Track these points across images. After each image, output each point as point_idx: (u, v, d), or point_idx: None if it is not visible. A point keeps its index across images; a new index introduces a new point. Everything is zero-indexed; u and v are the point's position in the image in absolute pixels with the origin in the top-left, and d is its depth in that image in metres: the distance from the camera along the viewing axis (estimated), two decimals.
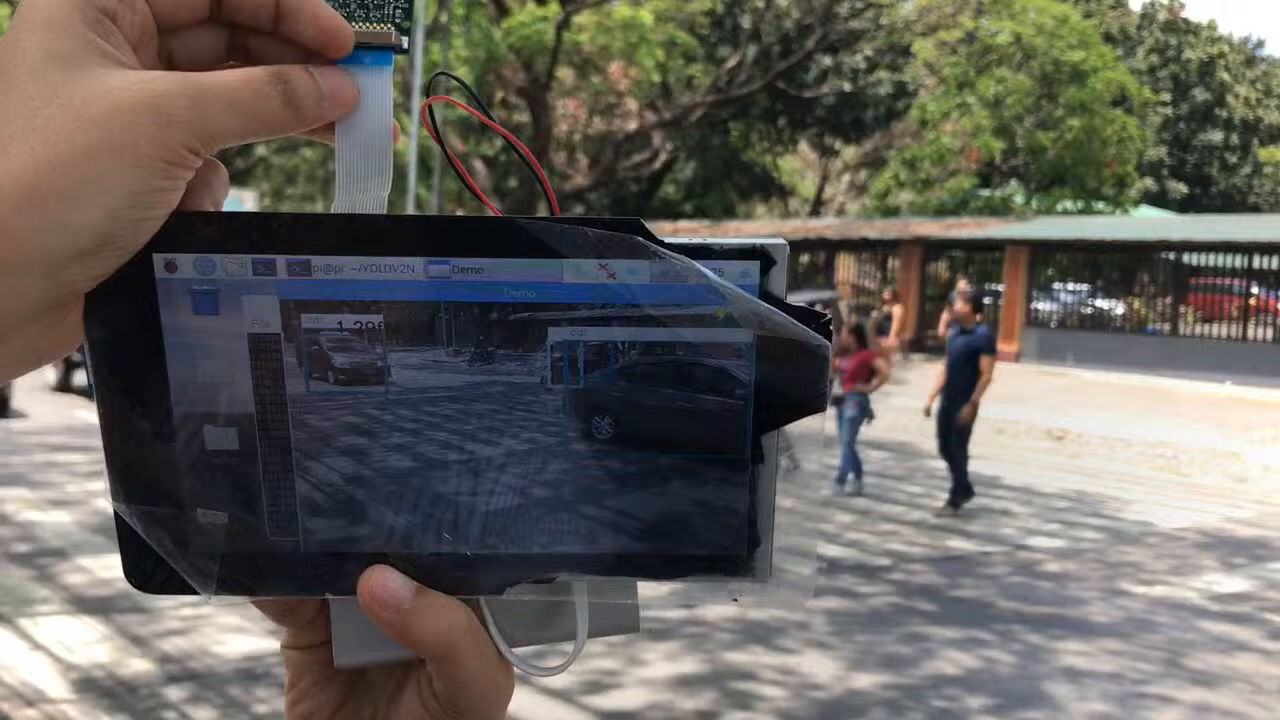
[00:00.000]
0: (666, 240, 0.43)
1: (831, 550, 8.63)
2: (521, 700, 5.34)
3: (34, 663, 5.48)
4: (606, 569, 0.46)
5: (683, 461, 0.45)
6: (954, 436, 10.05)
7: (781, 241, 0.44)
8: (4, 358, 0.41)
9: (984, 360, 9.85)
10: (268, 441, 0.45)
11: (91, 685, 5.25)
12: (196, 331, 0.43)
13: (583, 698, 5.47)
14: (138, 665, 5.51)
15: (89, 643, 5.78)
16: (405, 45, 0.46)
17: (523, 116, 24.11)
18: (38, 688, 5.18)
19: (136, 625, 6.02)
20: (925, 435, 14.72)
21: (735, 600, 0.48)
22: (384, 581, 0.45)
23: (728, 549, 0.46)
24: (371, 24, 0.45)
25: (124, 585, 0.47)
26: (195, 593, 0.46)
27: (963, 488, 10.15)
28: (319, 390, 0.44)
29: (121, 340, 0.43)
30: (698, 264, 0.43)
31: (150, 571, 0.45)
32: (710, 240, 0.44)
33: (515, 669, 0.48)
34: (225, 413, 0.44)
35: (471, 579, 0.46)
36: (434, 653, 0.45)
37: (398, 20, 0.46)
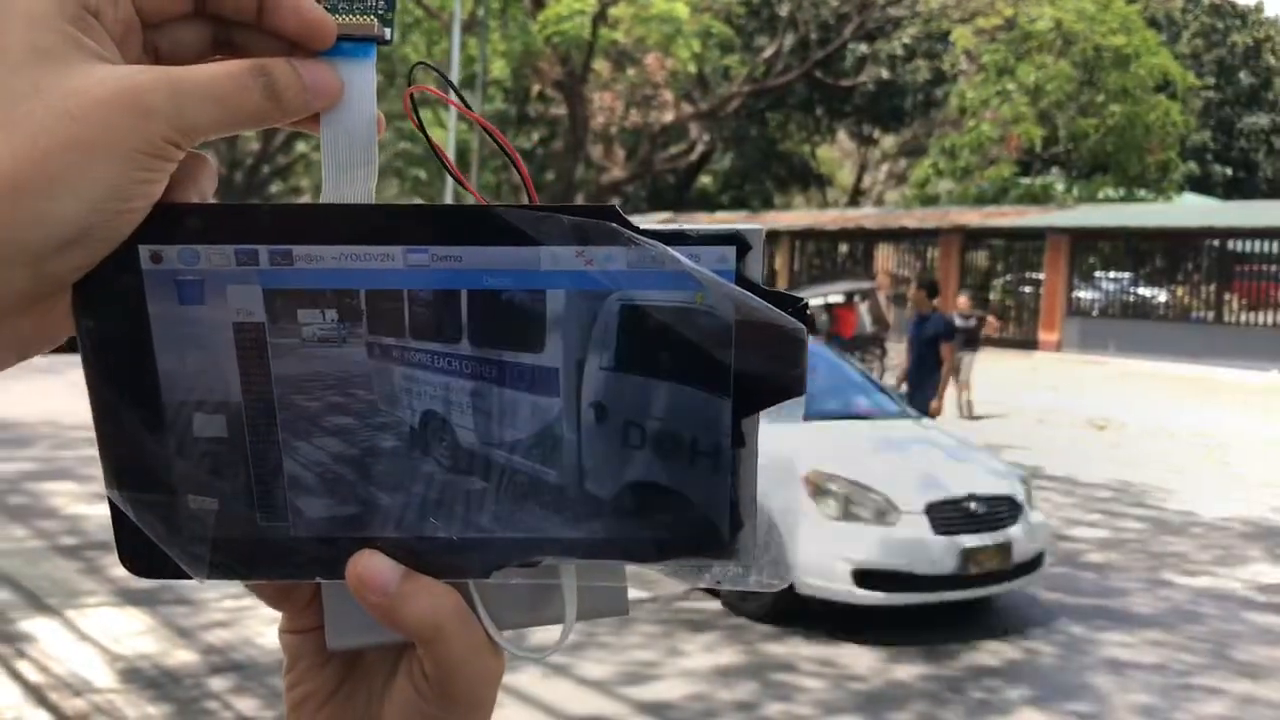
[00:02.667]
0: (642, 226, 0.43)
1: None
2: (561, 690, 5.37)
3: (81, 653, 5.57)
4: (591, 552, 0.47)
5: (665, 445, 0.46)
6: None
7: (758, 227, 0.44)
8: None
9: (944, 347, 9.70)
10: (255, 428, 0.45)
11: (137, 676, 5.33)
12: (183, 321, 0.44)
13: (622, 689, 5.49)
14: (182, 656, 5.59)
15: (135, 634, 5.87)
16: (388, 36, 0.46)
17: (560, 109, 24.12)
18: (85, 678, 5.27)
19: (181, 617, 6.11)
20: (967, 425, 14.63)
21: (719, 583, 0.48)
22: (371, 566, 0.46)
23: (711, 532, 0.46)
24: (354, 16, 0.46)
25: None
26: (189, 577, 0.47)
27: None
28: (303, 377, 0.45)
29: (110, 330, 0.44)
30: (673, 250, 0.43)
31: (144, 557, 0.46)
32: (686, 226, 0.44)
33: (504, 651, 0.49)
34: (213, 400, 0.45)
35: (458, 562, 0.47)
36: (421, 635, 0.46)
37: (380, 12, 0.46)
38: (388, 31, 0.46)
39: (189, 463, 0.45)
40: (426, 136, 0.48)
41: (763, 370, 0.45)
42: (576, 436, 0.46)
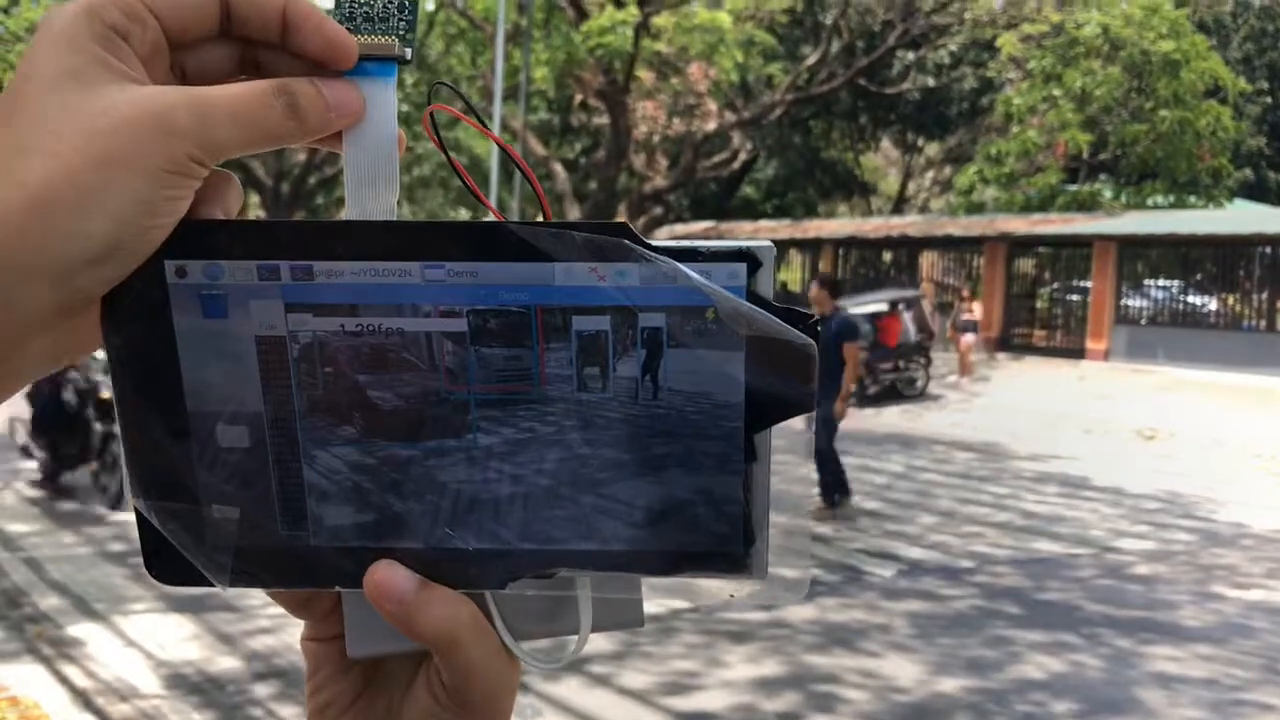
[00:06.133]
0: (654, 243, 0.44)
1: (914, 552, 8.54)
2: (602, 700, 5.37)
3: (128, 659, 5.65)
4: (606, 564, 0.47)
5: (679, 459, 0.46)
6: (824, 432, 9.25)
7: (768, 243, 0.45)
8: (24, 360, 0.43)
9: (847, 348, 9.12)
10: (276, 439, 0.46)
11: (181, 681, 5.39)
12: (207, 334, 0.45)
13: (663, 699, 5.48)
14: (226, 662, 5.65)
15: (180, 640, 5.94)
16: (409, 56, 0.47)
17: (603, 119, 24.18)
18: (131, 683, 5.34)
19: (225, 624, 6.17)
20: (1011, 436, 14.50)
21: (732, 597, 0.48)
22: (389, 575, 0.47)
23: (724, 546, 0.47)
24: (376, 36, 0.47)
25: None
26: (212, 585, 0.48)
27: (839, 484, 9.53)
28: (324, 390, 0.46)
29: (137, 343, 0.45)
30: (685, 266, 0.44)
31: (168, 563, 0.47)
32: (698, 243, 0.44)
33: (520, 661, 0.50)
34: (236, 411, 0.46)
35: (474, 573, 0.47)
36: (437, 644, 0.47)
37: (401, 32, 0.47)
38: (408, 51, 0.47)
39: (212, 472, 0.47)
40: (447, 155, 0.49)
41: (774, 385, 0.45)
42: (591, 450, 0.46)
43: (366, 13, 0.47)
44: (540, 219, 0.47)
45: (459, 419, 0.46)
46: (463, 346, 0.46)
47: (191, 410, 0.46)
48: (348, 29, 0.46)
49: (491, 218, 0.47)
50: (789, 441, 0.47)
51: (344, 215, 0.47)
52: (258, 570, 0.48)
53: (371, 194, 0.47)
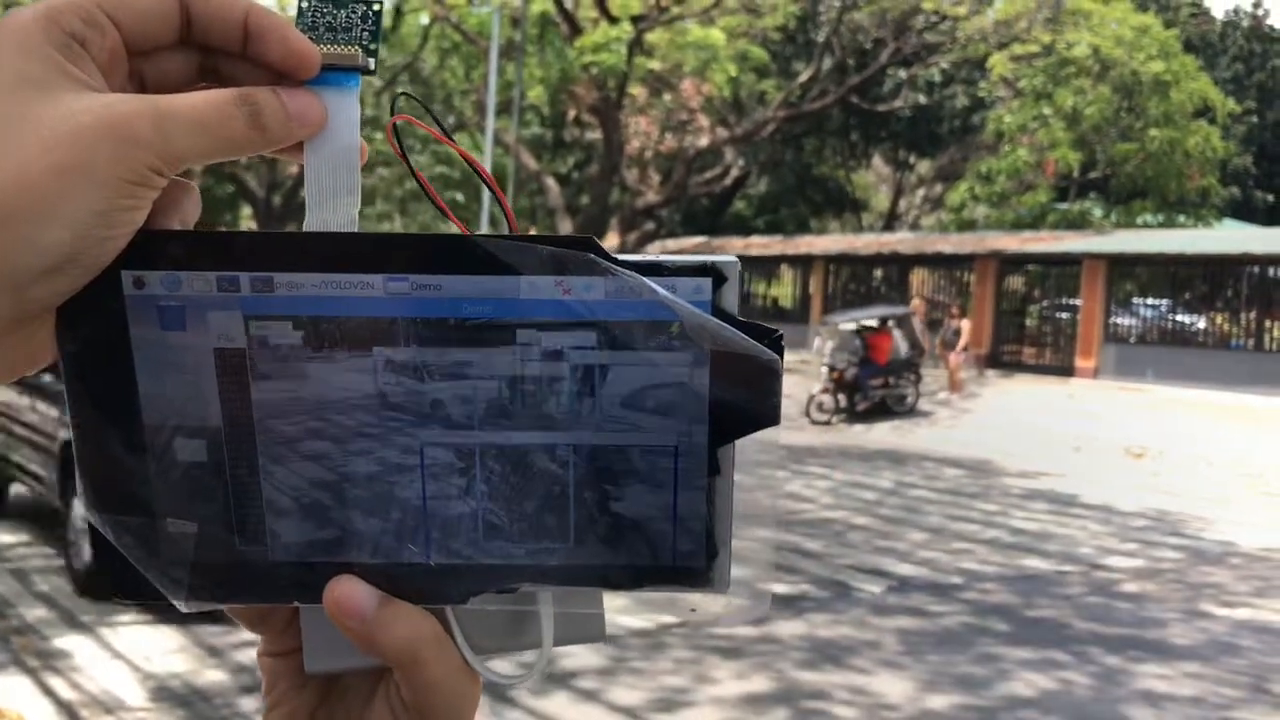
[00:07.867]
0: (619, 257, 0.44)
1: (903, 568, 8.54)
2: (592, 716, 5.36)
3: (113, 671, 5.62)
4: (567, 579, 0.47)
5: (641, 474, 0.46)
6: None
7: (733, 259, 0.44)
8: None
9: None
10: (235, 454, 0.46)
11: (168, 694, 5.36)
12: (164, 346, 0.45)
13: (653, 715, 5.46)
14: (213, 675, 5.62)
15: (166, 652, 5.91)
16: (372, 66, 0.47)
17: (596, 134, 24.21)
18: (117, 695, 5.31)
19: (212, 636, 6.14)
20: (1000, 453, 14.52)
21: (693, 611, 0.48)
22: (349, 591, 0.46)
23: (686, 560, 0.47)
24: (339, 46, 0.46)
25: None
26: (167, 600, 0.47)
27: None
28: (283, 403, 0.45)
29: (92, 354, 0.45)
30: (649, 280, 0.44)
31: (123, 578, 0.47)
32: (663, 257, 0.44)
33: (481, 677, 0.49)
34: (193, 425, 0.45)
35: (435, 588, 0.47)
36: (398, 661, 0.46)
37: (364, 42, 0.47)
38: (371, 61, 0.47)
39: (168, 486, 0.46)
40: (409, 166, 0.48)
41: (738, 400, 0.45)
42: (553, 465, 0.46)
43: (329, 22, 0.47)
44: (515, 231, 0.47)
45: (420, 435, 0.46)
46: (425, 361, 0.45)
47: (148, 423, 0.45)
48: (310, 38, 0.46)
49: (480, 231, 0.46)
50: (759, 454, 0.46)
51: (304, 226, 0.47)
52: (214, 585, 0.47)
53: (332, 205, 0.47)
